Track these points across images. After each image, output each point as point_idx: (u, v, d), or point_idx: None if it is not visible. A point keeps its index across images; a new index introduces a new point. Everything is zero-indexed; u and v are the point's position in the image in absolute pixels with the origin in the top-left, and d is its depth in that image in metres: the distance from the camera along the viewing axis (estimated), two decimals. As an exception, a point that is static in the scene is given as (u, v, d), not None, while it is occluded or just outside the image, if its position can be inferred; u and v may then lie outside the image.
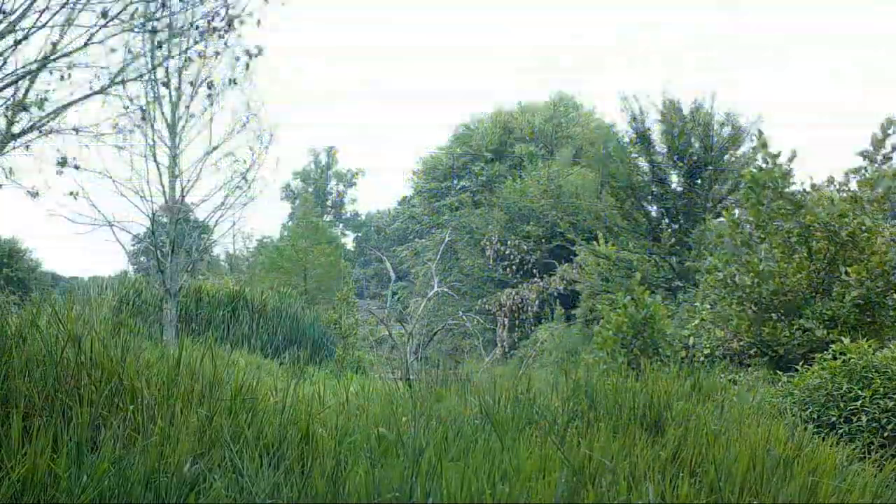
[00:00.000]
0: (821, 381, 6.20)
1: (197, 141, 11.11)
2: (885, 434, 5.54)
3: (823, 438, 5.33)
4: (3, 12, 6.06)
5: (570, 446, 4.22)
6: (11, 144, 7.01)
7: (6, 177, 7.54)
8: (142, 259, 33.62)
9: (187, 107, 10.86)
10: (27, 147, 7.40)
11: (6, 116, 6.88)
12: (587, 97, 77.84)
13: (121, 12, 6.65)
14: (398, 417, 4.83)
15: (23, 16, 6.13)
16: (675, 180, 20.19)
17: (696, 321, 9.98)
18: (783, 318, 9.03)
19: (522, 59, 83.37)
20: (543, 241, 29.51)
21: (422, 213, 44.50)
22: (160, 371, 4.76)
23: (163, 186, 10.72)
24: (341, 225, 68.72)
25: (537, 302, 26.99)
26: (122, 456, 3.54)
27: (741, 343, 9.42)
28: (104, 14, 6.49)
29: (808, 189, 9.58)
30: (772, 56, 78.27)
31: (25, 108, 6.86)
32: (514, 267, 29.83)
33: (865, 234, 8.68)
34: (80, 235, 10.11)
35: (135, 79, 8.57)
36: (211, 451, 3.84)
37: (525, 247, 29.72)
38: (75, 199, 9.37)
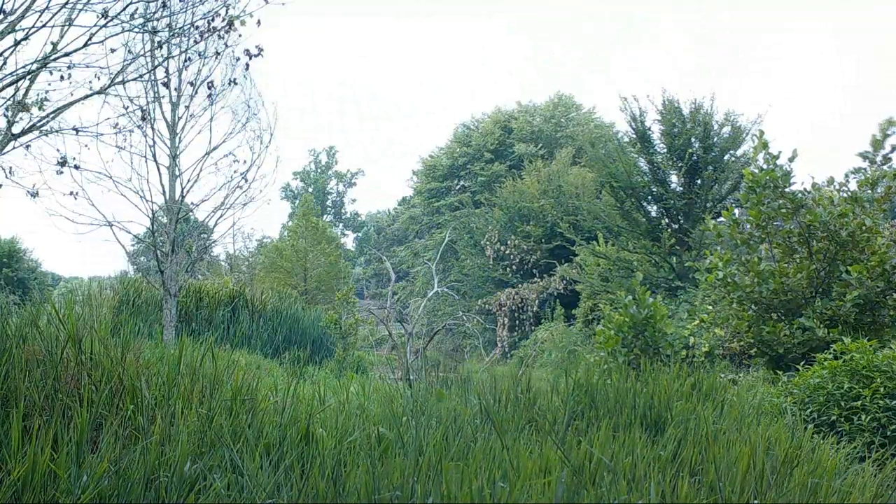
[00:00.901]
0: (821, 380, 6.20)
1: (197, 141, 11.13)
2: (887, 433, 5.54)
3: (824, 438, 5.33)
4: (3, 12, 6.06)
5: (571, 446, 4.22)
6: (11, 144, 7.00)
7: (6, 177, 7.54)
8: (142, 259, 33.64)
9: (187, 107, 10.87)
10: (27, 147, 7.40)
11: (6, 116, 6.88)
12: (587, 97, 78.00)
13: (121, 12, 6.66)
14: (398, 417, 4.83)
15: (22, 16, 6.13)
16: (674, 180, 20.20)
17: (696, 321, 9.98)
18: (783, 317, 9.03)
19: (523, 59, 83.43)
20: (543, 241, 29.52)
21: (421, 214, 44.55)
22: (160, 371, 4.77)
23: (163, 186, 10.73)
24: (341, 225, 68.76)
25: (537, 302, 27.00)
26: (122, 456, 3.54)
27: (741, 343, 9.42)
28: (104, 14, 6.49)
29: (809, 189, 9.58)
30: (772, 56, 78.32)
31: (25, 108, 6.86)
32: (513, 267, 29.83)
33: (866, 234, 8.68)
34: (80, 235, 10.12)
35: (135, 79, 8.56)
36: (211, 450, 3.84)
37: (525, 247, 29.72)
38: (75, 199, 9.36)
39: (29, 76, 6.65)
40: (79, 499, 3.21)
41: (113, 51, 7.26)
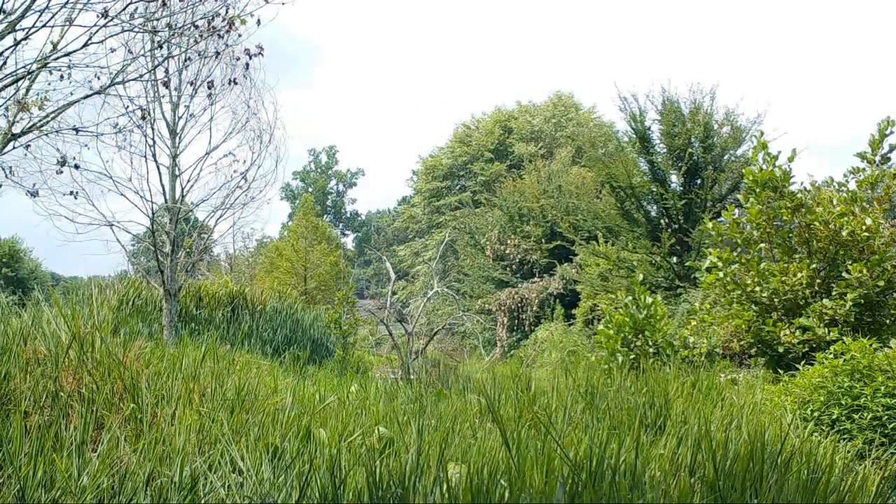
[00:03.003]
0: (822, 379, 6.20)
1: (197, 141, 11.12)
2: (886, 431, 5.54)
3: (824, 436, 5.33)
4: (4, 12, 6.07)
5: (571, 445, 4.22)
6: (11, 144, 7.01)
7: (6, 176, 7.54)
8: (142, 259, 33.63)
9: (187, 107, 10.86)
10: (27, 147, 7.40)
11: (6, 116, 6.88)
12: (587, 96, 78.00)
13: (121, 12, 6.66)
14: (399, 416, 4.83)
15: (22, 16, 6.14)
16: (674, 180, 20.19)
17: (696, 321, 9.98)
18: (783, 317, 9.03)
19: (523, 59, 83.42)
20: (543, 240, 29.52)
21: (421, 213, 44.55)
22: (161, 370, 4.77)
23: (163, 186, 10.73)
24: (341, 225, 68.75)
25: (537, 302, 26.99)
26: (122, 455, 3.54)
27: (741, 343, 9.41)
28: (104, 14, 6.49)
29: (809, 188, 9.58)
30: (774, 55, 78.37)
31: (25, 108, 6.86)
32: (513, 267, 29.83)
33: (866, 233, 8.68)
34: (80, 235, 10.11)
35: (135, 79, 8.56)
36: (211, 450, 3.85)
37: (525, 246, 29.72)
38: (75, 198, 9.35)
39: (29, 76, 6.65)
40: (79, 498, 3.22)
41: (113, 50, 7.27)
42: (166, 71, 10.28)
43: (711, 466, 4.00)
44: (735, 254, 9.55)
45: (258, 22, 7.92)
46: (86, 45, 6.49)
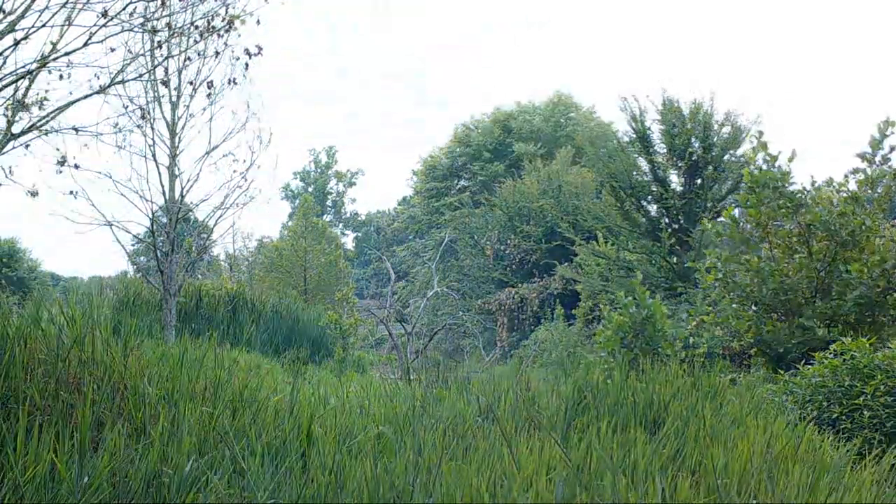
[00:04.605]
0: (822, 378, 6.21)
1: (197, 141, 11.13)
2: (885, 430, 5.55)
3: (823, 435, 5.33)
4: (3, 12, 6.07)
5: (571, 445, 4.22)
6: (11, 144, 7.01)
7: (6, 176, 7.54)
8: (141, 259, 33.62)
9: (187, 106, 10.85)
10: (27, 147, 7.41)
11: (6, 116, 6.88)
12: (587, 96, 78.02)
13: (121, 12, 6.67)
14: (399, 416, 4.84)
15: (22, 15, 6.15)
16: (674, 180, 20.18)
17: (696, 321, 9.98)
18: (784, 317, 9.04)
19: (523, 60, 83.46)
20: (543, 240, 29.52)
21: (421, 213, 44.56)
22: (162, 370, 4.78)
23: (162, 186, 10.72)
24: (341, 225, 68.71)
25: (537, 302, 26.99)
26: (124, 455, 3.55)
27: (741, 343, 9.42)
28: (104, 13, 6.50)
29: (809, 188, 9.58)
30: (774, 54, 78.39)
31: (25, 108, 6.87)
32: (513, 267, 29.84)
33: (865, 233, 8.68)
34: (80, 235, 10.11)
35: (135, 79, 8.56)
36: (213, 450, 3.85)
37: (525, 246, 29.72)
38: (75, 198, 9.36)
39: (29, 76, 6.66)
40: (81, 498, 3.22)
41: (112, 50, 7.28)
42: (166, 70, 10.28)
43: (711, 466, 4.00)
44: (735, 254, 9.55)
45: (258, 22, 7.93)
46: (86, 44, 6.50)
